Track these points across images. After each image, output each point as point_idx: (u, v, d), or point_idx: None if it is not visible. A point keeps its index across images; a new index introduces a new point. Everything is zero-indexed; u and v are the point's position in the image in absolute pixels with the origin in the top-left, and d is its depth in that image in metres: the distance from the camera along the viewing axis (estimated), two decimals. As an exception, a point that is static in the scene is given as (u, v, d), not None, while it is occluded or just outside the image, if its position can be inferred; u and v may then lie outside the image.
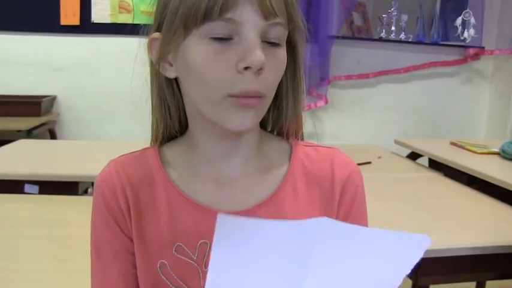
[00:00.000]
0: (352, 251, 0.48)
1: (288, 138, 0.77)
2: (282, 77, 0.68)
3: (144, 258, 0.71)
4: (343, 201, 0.73)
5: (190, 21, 0.61)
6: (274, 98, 0.69)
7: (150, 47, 0.70)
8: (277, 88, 0.69)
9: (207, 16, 0.60)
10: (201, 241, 0.69)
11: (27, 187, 1.84)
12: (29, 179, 1.86)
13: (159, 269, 0.70)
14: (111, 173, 0.73)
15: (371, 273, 0.48)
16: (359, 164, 2.36)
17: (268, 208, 0.70)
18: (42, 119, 3.24)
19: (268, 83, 0.64)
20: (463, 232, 1.45)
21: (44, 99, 3.29)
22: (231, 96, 0.62)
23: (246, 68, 0.61)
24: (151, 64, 0.72)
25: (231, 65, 0.61)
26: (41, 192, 1.85)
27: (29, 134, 2.99)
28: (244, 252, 0.46)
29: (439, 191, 1.92)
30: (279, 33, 0.64)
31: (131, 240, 0.72)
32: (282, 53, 0.66)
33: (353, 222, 0.72)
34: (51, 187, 1.81)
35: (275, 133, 0.78)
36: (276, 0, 0.61)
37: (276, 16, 0.62)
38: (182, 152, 0.74)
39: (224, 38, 0.61)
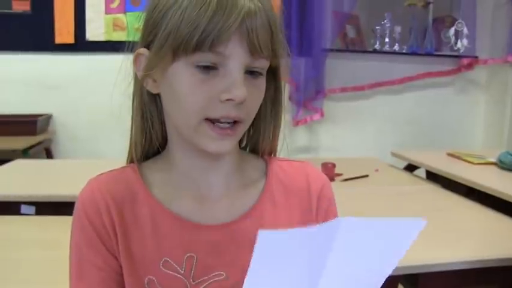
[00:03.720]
0: (359, 243, 0.50)
1: (262, 156, 0.80)
2: (263, 102, 0.71)
3: (131, 276, 0.71)
4: (319, 210, 0.78)
5: (180, 51, 0.63)
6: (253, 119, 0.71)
7: (135, 60, 0.72)
8: (258, 111, 0.71)
9: (197, 48, 0.62)
10: (188, 254, 0.71)
11: (24, 208, 1.83)
12: (26, 199, 1.85)
13: (146, 286, 0.70)
14: (93, 192, 0.73)
15: (372, 261, 0.52)
16: (356, 178, 2.36)
17: (249, 220, 0.73)
18: (38, 138, 3.22)
19: (248, 110, 0.68)
20: (464, 245, 1.44)
21: (39, 118, 3.28)
22: (208, 119, 0.65)
23: (228, 100, 0.64)
24: (136, 77, 0.74)
25: (214, 94, 0.64)
26: (37, 213, 1.83)
27: (25, 153, 2.96)
28: (277, 266, 0.49)
29: (437, 203, 1.92)
30: (262, 66, 0.67)
31: (115, 258, 0.71)
32: (262, 82, 0.69)
33: None
34: (48, 208, 1.79)
35: (248, 150, 0.81)
36: (263, 38, 0.64)
37: (261, 53, 0.65)
38: (162, 170, 0.76)
39: (210, 66, 0.64)
